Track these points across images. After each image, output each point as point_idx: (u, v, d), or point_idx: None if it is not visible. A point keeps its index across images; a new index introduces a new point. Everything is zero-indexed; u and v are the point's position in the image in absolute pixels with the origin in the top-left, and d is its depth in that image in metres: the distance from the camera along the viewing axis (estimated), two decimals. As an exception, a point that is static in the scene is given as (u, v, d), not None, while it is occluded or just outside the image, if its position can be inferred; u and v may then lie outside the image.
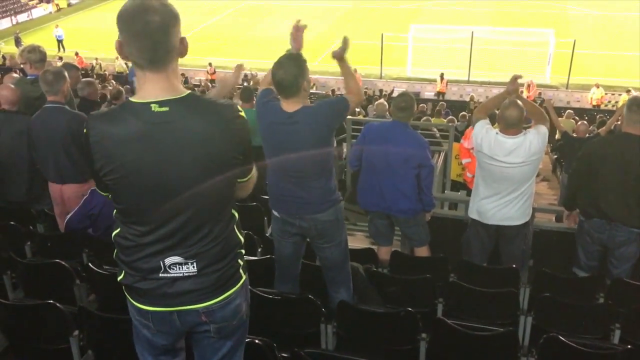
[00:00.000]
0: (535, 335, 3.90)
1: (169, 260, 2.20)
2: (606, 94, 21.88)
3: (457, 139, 8.71)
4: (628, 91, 20.82)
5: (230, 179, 2.23)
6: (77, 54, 26.36)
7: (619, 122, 8.58)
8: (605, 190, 4.45)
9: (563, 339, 3.18)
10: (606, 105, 21.72)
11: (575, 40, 23.03)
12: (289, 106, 3.56)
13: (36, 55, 5.77)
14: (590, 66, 23.92)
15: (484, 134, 4.63)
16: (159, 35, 2.05)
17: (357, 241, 6.32)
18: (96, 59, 25.74)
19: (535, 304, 3.99)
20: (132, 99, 2.14)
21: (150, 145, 2.07)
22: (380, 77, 24.94)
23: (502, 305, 4.06)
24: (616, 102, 21.31)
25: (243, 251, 2.41)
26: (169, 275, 2.22)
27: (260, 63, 24.32)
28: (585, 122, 10.36)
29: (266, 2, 36.82)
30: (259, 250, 4.97)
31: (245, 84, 19.07)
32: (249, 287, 2.51)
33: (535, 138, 4.51)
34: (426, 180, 4.81)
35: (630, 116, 4.36)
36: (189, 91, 2.15)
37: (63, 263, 3.80)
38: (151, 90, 2.10)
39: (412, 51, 25.52)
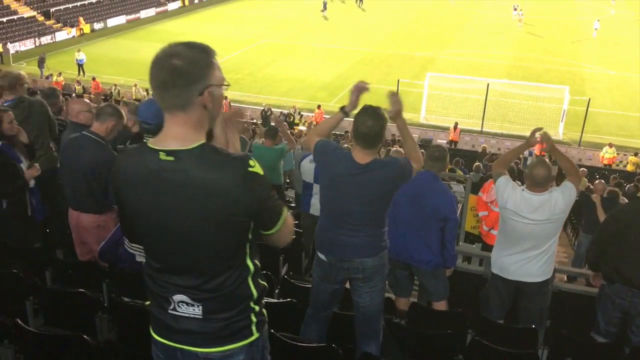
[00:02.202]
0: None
1: (177, 298, 2.25)
2: (618, 153, 21.93)
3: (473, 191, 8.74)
4: (636, 154, 20.89)
5: (236, 232, 2.21)
6: (94, 78, 26.70)
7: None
8: (629, 256, 4.45)
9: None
10: (617, 165, 21.77)
11: (590, 99, 23.20)
12: (363, 157, 3.65)
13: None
14: (603, 125, 24.05)
15: (509, 191, 4.66)
16: (172, 80, 2.07)
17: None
18: (115, 85, 26.07)
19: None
20: (149, 142, 2.19)
21: (151, 190, 2.14)
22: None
23: (522, 367, 4.03)
24: (627, 162, 21.38)
25: (258, 307, 2.35)
26: (176, 312, 2.27)
27: (275, 100, 24.64)
28: (602, 181, 10.35)
29: (286, 42, 37.39)
30: (276, 292, 4.97)
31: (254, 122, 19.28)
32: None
33: (560, 196, 4.54)
34: (450, 235, 4.82)
35: None
36: (202, 142, 2.14)
37: (87, 293, 3.81)
38: (166, 137, 2.16)
39: (427, 98, 25.74)
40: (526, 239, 4.63)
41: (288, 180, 10.50)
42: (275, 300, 4.56)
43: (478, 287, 5.32)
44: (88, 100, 6.16)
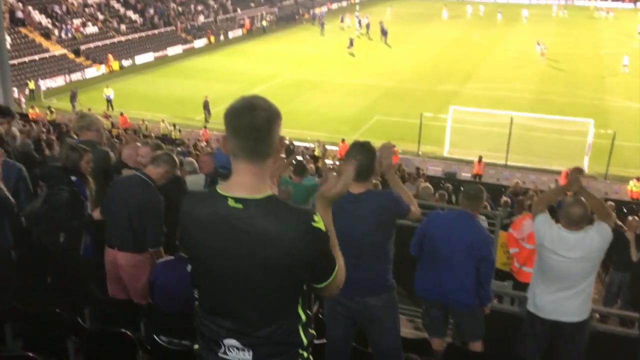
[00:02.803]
0: None
1: (227, 342, 2.30)
2: (646, 187, 21.64)
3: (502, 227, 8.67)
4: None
5: (293, 282, 2.28)
6: (122, 114, 27.21)
7: None
8: None
9: None
10: (645, 199, 21.47)
11: (615, 132, 23.03)
12: (356, 188, 3.74)
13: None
14: (629, 158, 23.77)
15: (546, 229, 4.67)
16: (263, 131, 2.20)
17: (401, 324, 6.27)
18: (143, 120, 26.53)
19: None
20: (219, 188, 2.28)
21: (217, 235, 2.22)
22: (418, 155, 25.11)
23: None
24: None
25: (306, 354, 2.40)
26: (227, 357, 2.31)
27: (296, 133, 24.80)
28: (637, 217, 10.20)
29: (310, 76, 37.79)
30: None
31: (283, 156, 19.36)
32: None
33: (596, 235, 4.54)
34: (486, 275, 4.81)
35: None
36: (270, 193, 2.24)
37: (128, 333, 3.86)
38: (235, 184, 2.25)
39: (451, 132, 25.75)
40: (563, 277, 4.61)
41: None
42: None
43: (510, 327, 5.27)
44: (138, 144, 6.34)
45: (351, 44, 44.60)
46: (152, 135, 23.57)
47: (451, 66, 40.18)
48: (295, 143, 24.19)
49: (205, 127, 25.77)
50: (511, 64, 40.95)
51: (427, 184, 11.39)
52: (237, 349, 2.30)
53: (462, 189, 5.09)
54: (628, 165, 23.65)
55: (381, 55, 43.91)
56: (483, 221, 10.09)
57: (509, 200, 12.94)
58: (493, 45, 47.35)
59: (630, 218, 9.79)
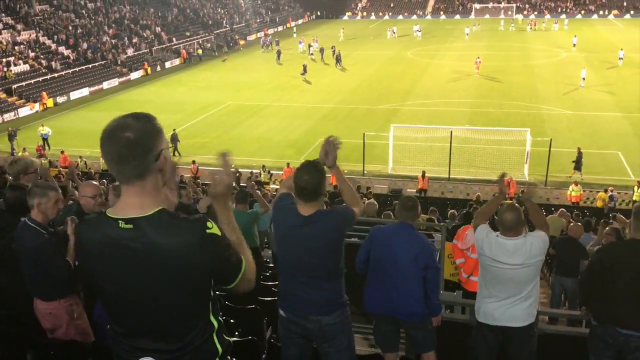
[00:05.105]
0: None
1: None
2: (584, 190, 22.40)
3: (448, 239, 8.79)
4: (605, 190, 21.38)
5: (198, 292, 2.27)
6: (62, 152, 26.52)
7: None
8: (618, 298, 4.51)
9: None
10: (585, 202, 22.20)
11: (551, 139, 23.82)
12: (306, 210, 3.74)
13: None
14: (567, 164, 24.58)
15: (484, 237, 4.76)
16: (129, 153, 2.14)
17: (356, 343, 6.25)
18: (80, 157, 25.91)
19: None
20: (108, 211, 2.26)
21: (112, 258, 2.19)
22: (363, 174, 25.34)
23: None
24: (594, 199, 21.83)
25: None
26: None
27: (243, 160, 24.73)
28: (579, 224, 10.48)
29: (250, 102, 37.81)
30: (264, 357, 4.90)
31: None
32: None
33: (535, 241, 4.64)
34: (432, 283, 4.85)
35: (637, 224, 4.51)
36: (159, 208, 2.21)
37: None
38: (124, 205, 2.23)
39: (393, 149, 26.14)
40: (507, 284, 4.69)
41: (266, 240, 10.46)
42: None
43: (462, 335, 5.32)
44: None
45: (305, 70, 44.20)
46: (93, 172, 23.07)
47: (389, 85, 40.93)
48: (241, 170, 24.09)
49: (193, 162, 25.19)
50: (446, 78, 41.98)
51: (372, 201, 11.49)
52: None
53: (398, 201, 5.15)
54: (565, 171, 24.47)
55: (319, 77, 44.32)
56: (437, 234, 10.22)
57: (455, 212, 13.17)
58: (427, 62, 48.49)
59: (571, 224, 10.06)
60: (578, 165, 23.77)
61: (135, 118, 2.19)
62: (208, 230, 2.20)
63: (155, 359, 2.26)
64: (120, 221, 2.19)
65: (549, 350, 5.39)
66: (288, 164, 23.37)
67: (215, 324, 2.36)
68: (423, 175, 23.24)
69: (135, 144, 2.14)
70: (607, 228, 9.71)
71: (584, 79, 38.12)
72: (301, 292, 3.82)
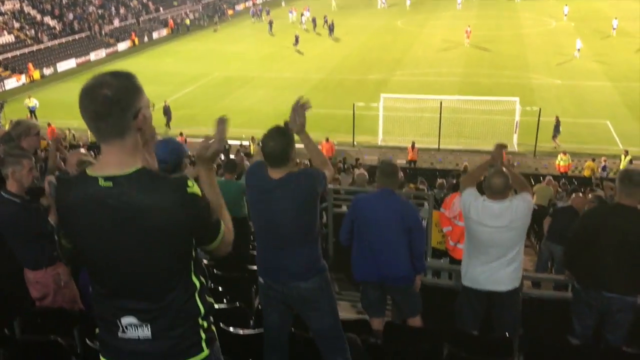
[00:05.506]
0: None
1: (125, 321, 2.30)
2: (572, 160, 22.50)
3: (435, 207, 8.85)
4: (593, 159, 21.51)
5: (178, 251, 2.28)
6: (49, 124, 26.27)
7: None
8: (602, 262, 4.57)
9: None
10: (573, 172, 22.32)
11: (540, 109, 23.83)
12: (275, 174, 3.72)
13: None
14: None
15: (471, 201, 4.79)
16: (106, 110, 2.13)
17: (343, 310, 6.32)
18: (68, 129, 25.67)
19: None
20: (87, 170, 2.25)
21: (92, 216, 2.19)
22: (353, 146, 25.32)
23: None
24: (582, 168, 21.96)
25: (206, 323, 2.41)
26: (126, 335, 2.31)
27: (232, 132, 24.56)
28: (581, 195, 10.44)
29: (239, 73, 37.51)
30: (252, 322, 4.95)
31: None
32: None
33: (520, 203, 4.68)
34: (418, 245, 4.88)
35: (622, 189, 4.55)
36: (139, 167, 2.21)
37: (59, 340, 3.74)
38: (103, 163, 2.22)
39: (383, 120, 26.08)
40: (492, 248, 4.73)
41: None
42: (251, 331, 4.54)
43: (449, 301, 5.38)
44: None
45: (297, 41, 43.55)
46: (81, 144, 22.90)
47: (379, 55, 40.65)
48: (230, 142, 23.98)
49: (181, 134, 25.00)
50: (436, 48, 41.76)
51: (362, 171, 11.50)
52: (135, 326, 2.29)
53: (378, 168, 5.14)
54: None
55: (311, 47, 43.95)
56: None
57: (444, 182, 13.22)
58: (417, 32, 48.16)
59: (573, 195, 10.04)
60: (555, 133, 23.89)
61: (114, 76, 2.17)
62: (189, 189, 2.21)
63: (138, 319, 2.28)
64: (100, 179, 2.18)
65: (534, 313, 5.47)
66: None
67: (197, 284, 2.37)
68: (413, 146, 23.23)
69: (113, 101, 2.12)
70: (589, 195, 9.75)
71: (579, 49, 37.88)
72: (277, 258, 3.82)
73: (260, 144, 3.76)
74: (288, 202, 3.70)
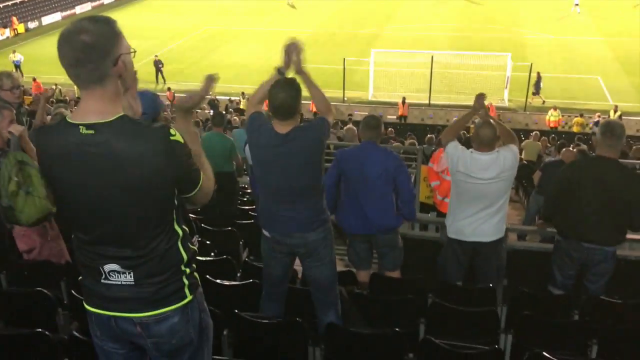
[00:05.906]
0: (515, 353, 4.01)
1: (107, 267, 2.31)
2: (563, 116, 22.52)
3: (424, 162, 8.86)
4: (581, 115, 21.54)
5: (161, 199, 2.28)
6: (34, 79, 25.94)
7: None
8: (583, 213, 4.60)
9: (547, 354, 3.27)
10: (563, 127, 22.37)
11: (531, 64, 23.72)
12: (283, 128, 3.67)
13: None
14: (547, 89, 24.58)
15: (459, 154, 4.78)
16: (85, 57, 2.10)
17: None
18: (55, 84, 25.33)
19: (516, 322, 4.09)
20: (68, 117, 2.22)
21: (74, 164, 2.17)
22: (343, 101, 25.18)
23: (483, 324, 4.15)
24: (572, 124, 22.01)
25: (189, 270, 2.43)
26: (108, 282, 2.32)
27: (221, 87, 24.36)
28: (571, 149, 10.45)
29: (227, 27, 36.97)
30: (239, 275, 4.99)
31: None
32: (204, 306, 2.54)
33: (508, 154, 4.69)
34: (405, 188, 4.89)
35: (604, 141, 4.55)
36: (121, 114, 2.19)
37: (45, 291, 3.76)
38: (84, 111, 2.19)
39: (374, 75, 25.90)
40: (479, 199, 4.75)
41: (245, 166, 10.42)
42: (238, 282, 4.58)
43: (435, 253, 5.43)
44: None
45: None
46: (68, 99, 22.63)
47: (370, 8, 40.09)
48: (219, 97, 23.79)
49: (169, 89, 24.75)
50: (428, 1, 41.20)
51: (351, 126, 11.45)
52: (118, 272, 2.30)
53: (361, 121, 5.12)
54: (545, 96, 24.50)
55: (298, 1, 43.26)
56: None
57: (433, 137, 13.18)
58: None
59: (563, 149, 10.06)
60: (537, 89, 23.87)
61: (93, 21, 2.13)
62: (171, 137, 2.19)
63: (120, 266, 2.29)
64: (81, 127, 2.14)
65: (518, 265, 5.53)
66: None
67: (180, 232, 2.37)
68: (403, 102, 23.15)
69: (92, 47, 2.08)
70: (574, 149, 9.78)
71: (577, 4, 37.44)
72: (285, 211, 3.81)
73: (269, 96, 3.67)
74: (297, 157, 3.66)
